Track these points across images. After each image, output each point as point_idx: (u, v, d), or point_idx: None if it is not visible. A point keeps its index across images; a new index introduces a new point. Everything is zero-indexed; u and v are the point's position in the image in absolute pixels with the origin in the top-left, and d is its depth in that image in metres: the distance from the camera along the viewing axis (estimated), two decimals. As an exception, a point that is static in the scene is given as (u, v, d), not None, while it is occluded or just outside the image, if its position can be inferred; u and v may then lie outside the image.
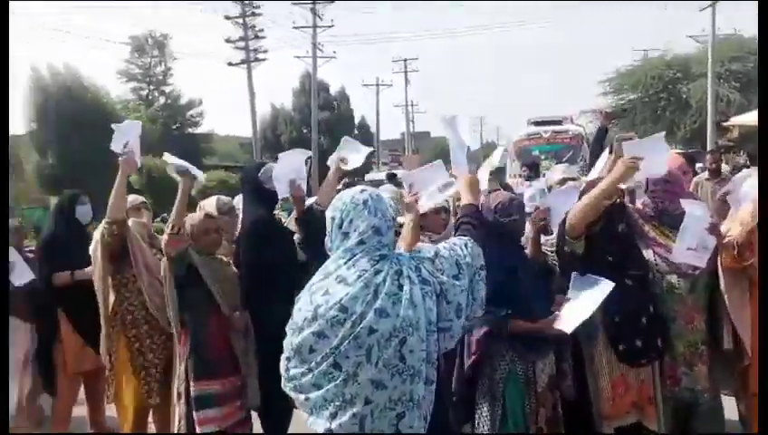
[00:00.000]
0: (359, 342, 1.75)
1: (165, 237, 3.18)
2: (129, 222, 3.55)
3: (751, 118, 10.29)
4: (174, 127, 28.05)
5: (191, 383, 3.23)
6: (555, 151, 12.37)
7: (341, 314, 1.77)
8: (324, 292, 1.82)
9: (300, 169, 3.51)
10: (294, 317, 1.87)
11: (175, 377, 3.36)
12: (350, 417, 1.77)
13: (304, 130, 32.97)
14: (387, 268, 1.81)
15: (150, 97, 30.21)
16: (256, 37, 26.42)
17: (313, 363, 1.80)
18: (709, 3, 19.45)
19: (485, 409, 2.71)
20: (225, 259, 3.48)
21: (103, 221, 3.48)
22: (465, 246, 1.98)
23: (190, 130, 29.83)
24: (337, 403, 1.78)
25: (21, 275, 3.71)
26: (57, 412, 4.11)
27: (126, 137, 3.47)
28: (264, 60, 26.70)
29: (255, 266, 3.37)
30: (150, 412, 3.70)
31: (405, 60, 40.25)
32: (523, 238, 3.05)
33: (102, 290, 3.53)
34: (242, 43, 26.14)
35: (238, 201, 3.95)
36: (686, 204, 2.96)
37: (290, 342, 1.86)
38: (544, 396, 2.78)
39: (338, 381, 1.77)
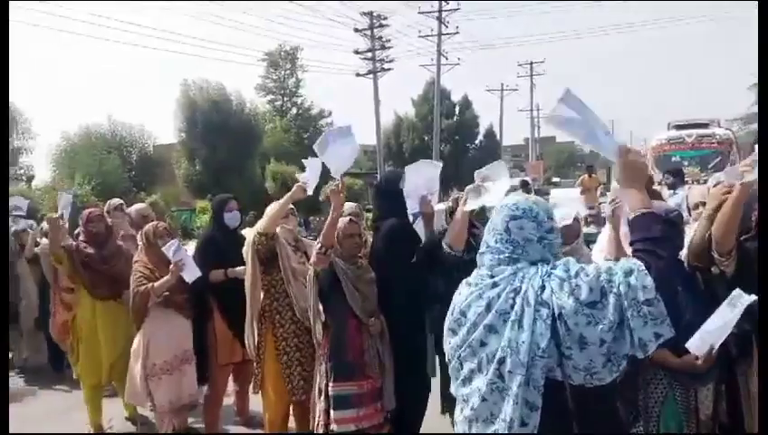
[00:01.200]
0: (473, 350, 1.78)
1: (313, 257, 3.37)
2: (278, 229, 3.77)
3: None
4: (305, 136, 29.47)
5: (329, 383, 3.36)
6: (700, 157, 11.33)
7: (462, 317, 1.82)
8: (459, 292, 1.89)
9: (431, 184, 3.47)
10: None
11: (316, 375, 3.51)
12: (463, 418, 1.82)
13: (425, 138, 33.21)
14: (504, 284, 1.77)
15: (284, 108, 32.00)
16: (383, 48, 27.05)
17: (450, 354, 1.88)
18: None
19: (640, 430, 2.57)
20: (365, 264, 3.57)
21: (255, 230, 3.74)
22: (628, 273, 1.67)
23: (320, 139, 31.19)
24: (461, 399, 1.84)
25: (191, 272, 4.03)
26: (209, 400, 4.40)
27: (312, 171, 3.63)
28: (389, 69, 27.30)
29: (389, 272, 3.44)
30: (291, 408, 3.88)
31: (531, 63, 39.13)
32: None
33: (252, 289, 3.76)
34: (369, 54, 26.90)
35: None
36: None
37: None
38: (707, 426, 2.58)
39: (459, 381, 1.84)
